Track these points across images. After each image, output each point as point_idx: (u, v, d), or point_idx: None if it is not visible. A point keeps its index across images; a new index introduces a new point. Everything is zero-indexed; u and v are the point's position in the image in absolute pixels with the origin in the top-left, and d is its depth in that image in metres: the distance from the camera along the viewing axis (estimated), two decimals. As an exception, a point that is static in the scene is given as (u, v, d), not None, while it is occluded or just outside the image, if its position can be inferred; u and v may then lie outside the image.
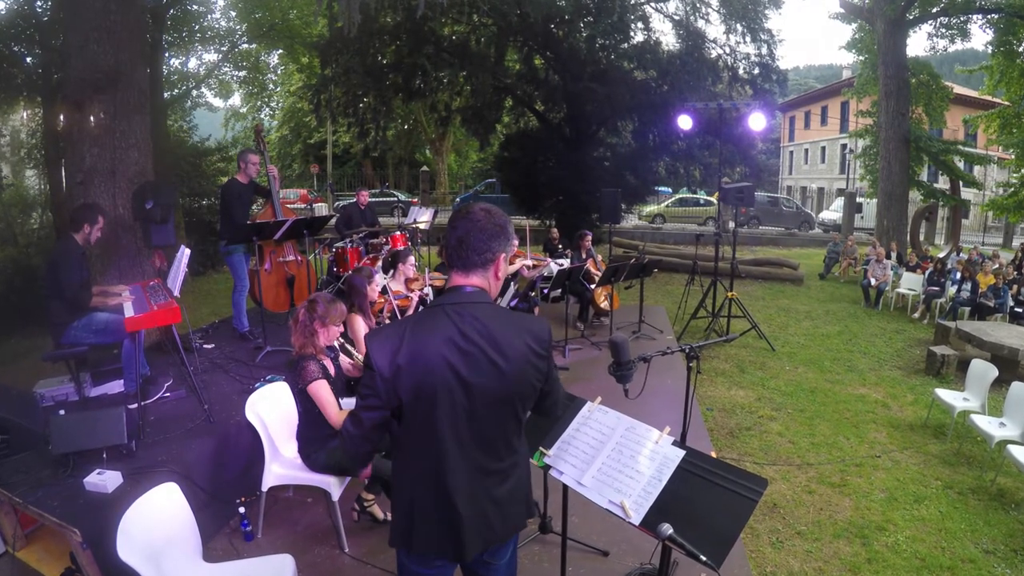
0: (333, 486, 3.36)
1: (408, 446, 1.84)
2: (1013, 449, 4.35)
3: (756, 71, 14.55)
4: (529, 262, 7.51)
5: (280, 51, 19.70)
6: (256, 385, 4.47)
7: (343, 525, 3.49)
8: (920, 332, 9.44)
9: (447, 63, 14.26)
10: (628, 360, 2.73)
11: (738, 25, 14.13)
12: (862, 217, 22.76)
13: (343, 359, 3.72)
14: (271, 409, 3.65)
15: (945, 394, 5.56)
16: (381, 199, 23.28)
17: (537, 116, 16.11)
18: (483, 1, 13.47)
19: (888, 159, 16.06)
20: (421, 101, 17.50)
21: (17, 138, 14.75)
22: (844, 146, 30.11)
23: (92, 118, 5.59)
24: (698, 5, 14.34)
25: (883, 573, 3.57)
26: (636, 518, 2.15)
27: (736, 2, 13.89)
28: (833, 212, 25.48)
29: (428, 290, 5.72)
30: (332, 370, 3.45)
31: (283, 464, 3.54)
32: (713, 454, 2.83)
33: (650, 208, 25.21)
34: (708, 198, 26.26)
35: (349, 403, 3.60)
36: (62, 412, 3.60)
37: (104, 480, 3.12)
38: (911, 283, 11.25)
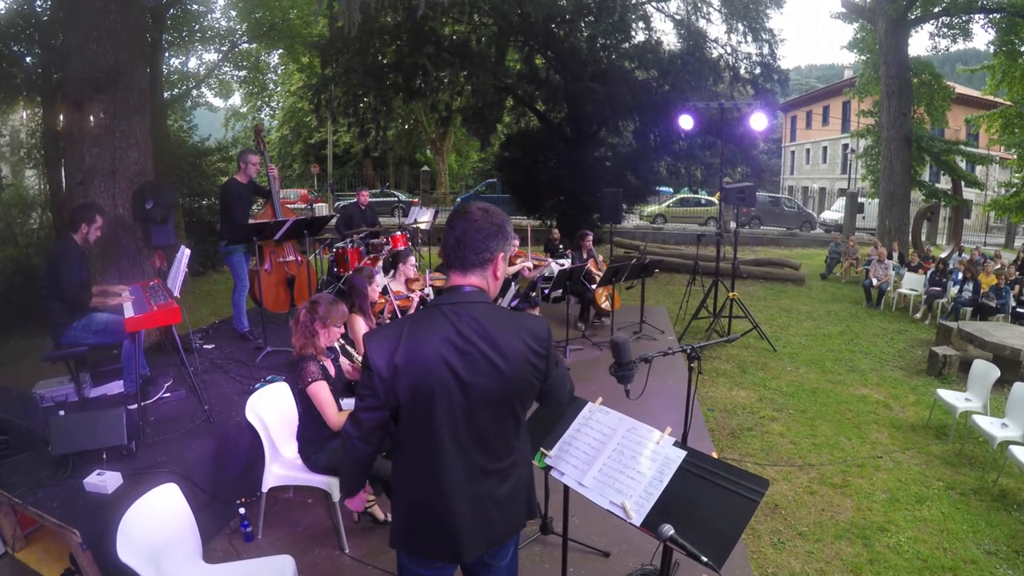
0: (333, 487, 3.36)
1: (407, 447, 1.83)
2: (1015, 450, 4.34)
3: (757, 71, 14.51)
4: (530, 263, 7.50)
5: (280, 51, 19.69)
6: (256, 385, 4.47)
7: (343, 526, 3.49)
8: (922, 332, 9.42)
9: (448, 63, 14.24)
10: (629, 360, 2.72)
11: (739, 25, 14.09)
12: (864, 217, 22.74)
13: (344, 362, 3.72)
14: (271, 410, 3.65)
15: (947, 395, 5.55)
16: (382, 199, 23.27)
17: (538, 116, 16.09)
18: (484, 1, 13.46)
19: (890, 159, 16.04)
20: (422, 101, 17.47)
21: (17, 138, 14.74)
22: (846, 146, 30.09)
23: (92, 118, 5.58)
24: (699, 5, 14.31)
25: (885, 574, 3.56)
26: (637, 519, 2.15)
27: (737, 2, 13.85)
28: (835, 212, 25.44)
29: (429, 290, 5.71)
30: (332, 371, 3.45)
31: (283, 465, 3.54)
32: (714, 455, 2.82)
33: (651, 208, 25.18)
34: (709, 198, 26.23)
35: (349, 404, 3.59)
36: (62, 413, 3.60)
37: (104, 481, 3.12)
38: (913, 283, 11.23)
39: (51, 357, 4.38)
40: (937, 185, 19.00)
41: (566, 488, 2.58)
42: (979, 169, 21.85)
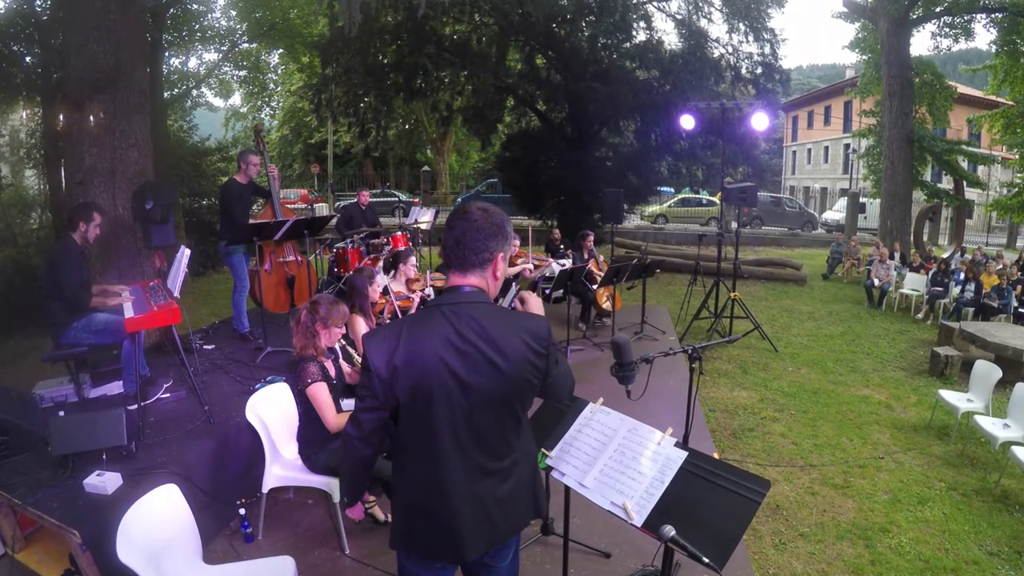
0: (334, 487, 3.35)
1: (406, 447, 1.83)
2: (1017, 450, 4.33)
3: (759, 70, 14.49)
4: (530, 265, 7.48)
5: (280, 50, 19.69)
6: (256, 386, 4.47)
7: (344, 526, 3.48)
8: (924, 333, 9.40)
9: (448, 62, 14.23)
10: (630, 361, 2.71)
11: (741, 24, 14.07)
12: (865, 217, 22.71)
13: (345, 367, 3.71)
14: (271, 410, 3.64)
15: (949, 395, 5.54)
16: (382, 199, 23.28)
17: (539, 116, 16.07)
18: (484, 0, 13.45)
19: (891, 159, 16.01)
20: (422, 101, 17.45)
21: (16, 138, 14.74)
22: (847, 146, 30.04)
23: (92, 118, 5.58)
24: (700, 4, 14.29)
25: (886, 575, 3.54)
26: (638, 520, 2.14)
27: (739, 1, 13.83)
28: (836, 212, 25.41)
29: (429, 291, 5.70)
30: (333, 372, 3.44)
31: (284, 465, 3.53)
32: (715, 455, 2.81)
33: (652, 208, 25.17)
34: (711, 198, 26.22)
35: (349, 404, 3.59)
36: (61, 413, 3.60)
37: (104, 481, 3.11)
38: (915, 284, 11.20)
39: (51, 357, 4.37)
40: (939, 185, 18.97)
41: (567, 489, 2.57)
42: (981, 169, 21.81)
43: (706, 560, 1.82)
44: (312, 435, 3.35)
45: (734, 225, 11.06)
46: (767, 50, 14.28)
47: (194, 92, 18.71)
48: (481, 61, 14.22)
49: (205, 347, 5.83)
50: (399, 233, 8.33)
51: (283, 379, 4.26)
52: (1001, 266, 11.37)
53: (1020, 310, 9.41)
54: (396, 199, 23.86)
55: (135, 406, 4.02)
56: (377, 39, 14.00)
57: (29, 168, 14.78)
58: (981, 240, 21.95)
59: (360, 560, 3.39)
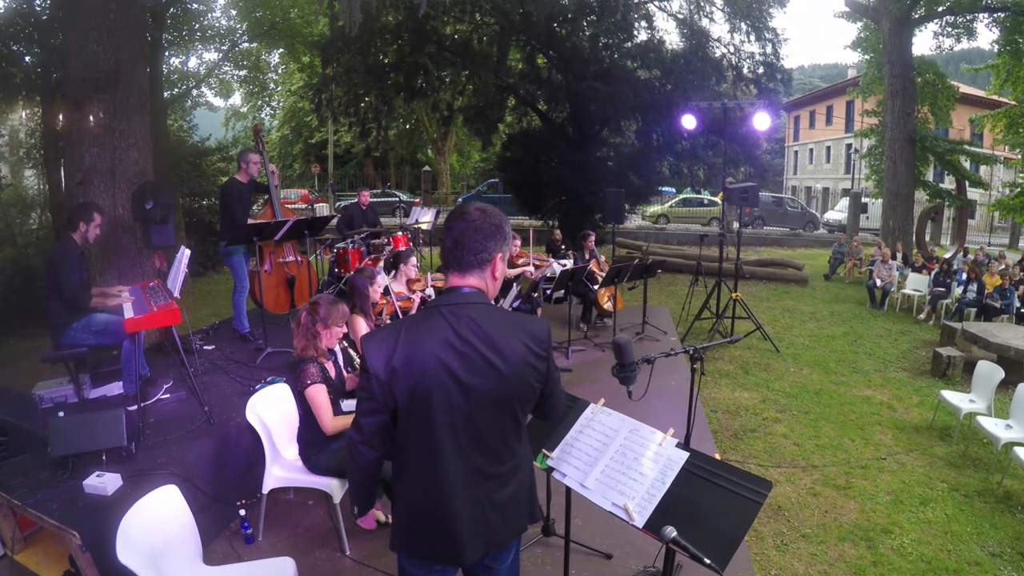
0: (334, 488, 3.34)
1: (406, 449, 1.82)
2: (1020, 451, 4.32)
3: (760, 70, 14.46)
4: (531, 268, 7.47)
5: (281, 50, 19.67)
6: (257, 387, 4.46)
7: (344, 528, 3.47)
8: (926, 333, 9.38)
9: (449, 62, 14.21)
10: (631, 361, 2.71)
11: (742, 24, 14.04)
12: (867, 217, 22.69)
13: (347, 376, 3.70)
14: (272, 411, 3.63)
15: (951, 396, 5.52)
16: (383, 199, 23.26)
17: (540, 116, 16.06)
18: (485, 0, 13.43)
19: (893, 159, 15.98)
20: (423, 100, 17.43)
21: (16, 138, 14.73)
22: (849, 146, 30.02)
23: (91, 118, 5.57)
24: (702, 4, 14.25)
25: (889, 577, 3.53)
26: (639, 521, 2.14)
27: (740, 1, 13.81)
28: (838, 212, 25.41)
29: (430, 291, 5.69)
30: (333, 373, 3.43)
31: (284, 466, 3.52)
32: (717, 456, 2.80)
33: (654, 208, 25.18)
34: (712, 198, 26.19)
35: (349, 405, 3.58)
36: (61, 414, 3.59)
37: (103, 482, 3.10)
38: (917, 284, 11.18)
39: (50, 358, 4.36)
40: (941, 185, 18.94)
41: (568, 489, 2.56)
42: (983, 169, 21.79)
43: (707, 561, 1.82)
44: (312, 436, 3.34)
45: (736, 225, 11.02)
46: (769, 50, 14.25)
47: (194, 92, 18.69)
48: (482, 61, 14.20)
49: (205, 348, 5.82)
50: (400, 233, 8.33)
51: (283, 380, 4.25)
52: (1003, 266, 11.36)
53: (1022, 310, 9.38)
54: (397, 199, 23.82)
55: (135, 407, 4.01)
56: (378, 39, 13.99)
57: (29, 168, 14.78)
58: (983, 240, 21.91)
59: (361, 561, 3.38)
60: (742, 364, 7.37)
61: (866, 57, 19.09)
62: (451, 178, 30.47)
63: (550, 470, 2.50)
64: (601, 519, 3.36)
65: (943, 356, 7.17)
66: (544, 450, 2.51)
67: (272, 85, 23.50)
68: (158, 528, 2.55)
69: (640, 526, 2.13)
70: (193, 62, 18.87)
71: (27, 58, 12.04)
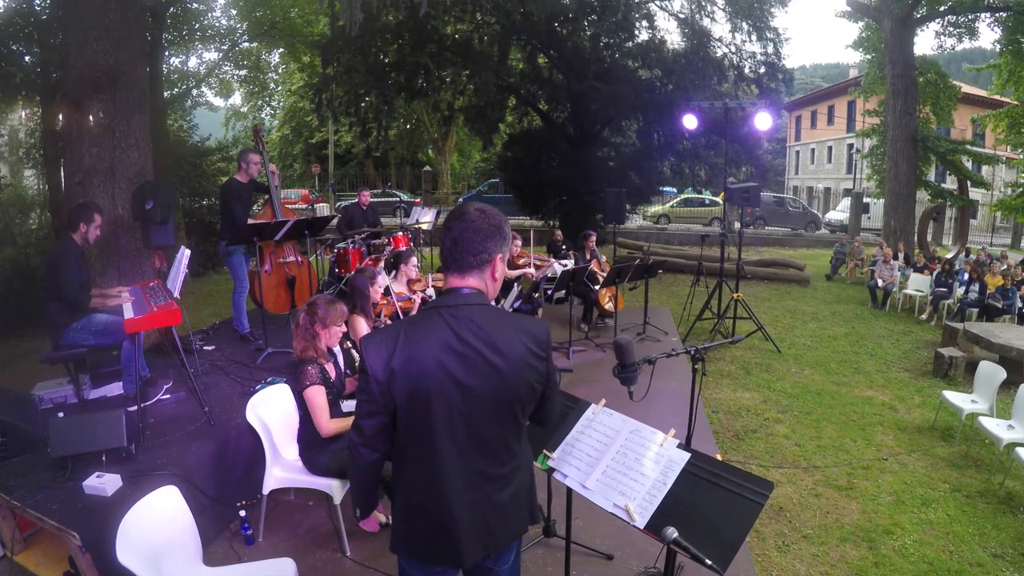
0: (335, 489, 3.34)
1: (406, 451, 1.81)
2: (1022, 452, 4.30)
3: (762, 70, 14.43)
4: (532, 270, 7.46)
5: (281, 50, 19.64)
6: (257, 387, 4.45)
7: (345, 528, 3.46)
8: (927, 334, 9.36)
9: (450, 62, 14.21)
10: (633, 362, 2.70)
11: (744, 23, 14.02)
12: (869, 217, 22.68)
13: (349, 379, 3.69)
14: (272, 411, 3.63)
15: (953, 396, 5.51)
16: (383, 199, 23.27)
17: (541, 115, 16.05)
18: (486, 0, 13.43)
19: (895, 159, 15.96)
20: (424, 100, 17.42)
21: (15, 138, 14.72)
22: (851, 146, 29.99)
23: (91, 117, 5.56)
24: (703, 3, 14.22)
25: (891, 578, 3.52)
26: (641, 521, 2.14)
27: (742, 0, 13.80)
28: (840, 212, 25.38)
29: (431, 291, 5.68)
30: (333, 374, 3.43)
31: (284, 467, 3.52)
32: (718, 457, 2.79)
33: (655, 208, 25.17)
34: (713, 198, 26.20)
35: (350, 405, 3.57)
36: (61, 414, 3.57)
37: (103, 483, 3.10)
38: (918, 284, 11.16)
39: (50, 358, 4.35)
40: (943, 185, 18.92)
41: (569, 490, 2.55)
42: (985, 169, 21.78)
43: (709, 562, 1.82)
44: (313, 437, 3.34)
45: (737, 225, 11.02)
46: (770, 49, 14.23)
47: (194, 91, 18.65)
48: (483, 60, 14.19)
49: (205, 348, 5.82)
50: (400, 233, 8.32)
51: (283, 380, 4.25)
52: (1005, 266, 11.33)
53: (1024, 310, 9.37)
54: (397, 199, 23.85)
55: (135, 407, 4.00)
56: (378, 38, 13.98)
57: (28, 168, 14.75)
58: (985, 240, 21.88)
59: (361, 562, 3.38)
60: (743, 365, 7.35)
61: (868, 57, 19.08)
62: (452, 178, 30.47)
63: (551, 471, 2.49)
64: (602, 520, 3.36)
65: (945, 357, 7.15)
66: (545, 451, 2.50)
67: (272, 85, 23.50)
68: (158, 529, 2.55)
69: (641, 527, 2.12)
70: (193, 62, 18.86)
71: (27, 58, 12.00)
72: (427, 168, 27.12)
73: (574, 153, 14.45)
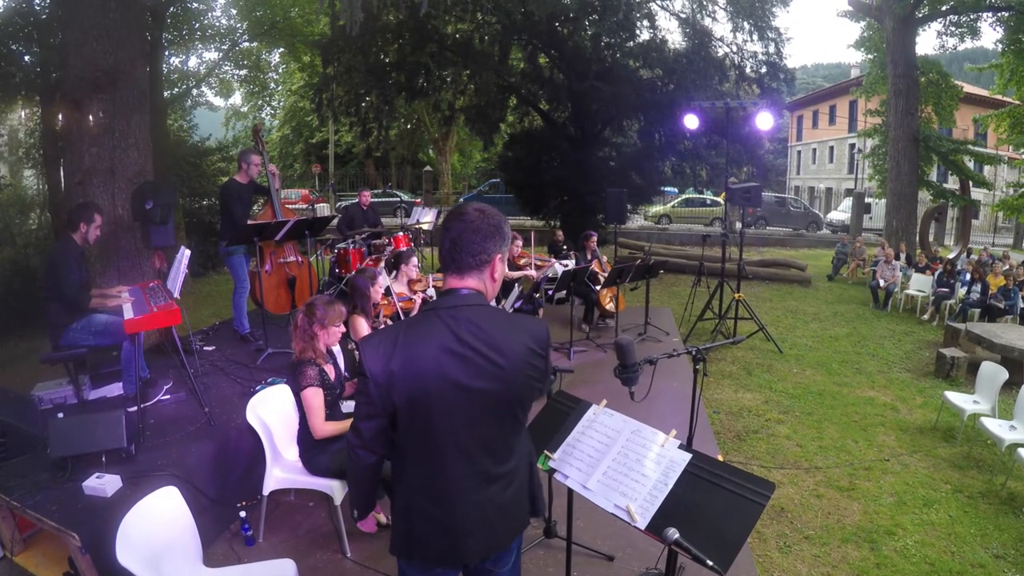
0: (335, 490, 3.33)
1: (406, 452, 1.80)
2: (1025, 453, 4.29)
3: (763, 70, 14.43)
4: (533, 272, 7.45)
5: (281, 50, 19.65)
6: (257, 388, 4.43)
7: (345, 529, 3.46)
8: (929, 334, 9.35)
9: (450, 62, 14.21)
10: (634, 362, 2.70)
11: (745, 23, 14.01)
12: (871, 218, 22.65)
13: (349, 383, 3.68)
14: (272, 412, 3.62)
15: (955, 397, 5.49)
16: (384, 199, 23.28)
17: (542, 115, 16.04)
18: (487, -1, 13.44)
19: (897, 159, 15.94)
20: (424, 100, 17.42)
21: (15, 137, 14.71)
22: (852, 146, 29.96)
23: (91, 117, 5.55)
24: (705, 3, 14.21)
25: (893, 579, 3.51)
26: (642, 522, 2.13)
27: (743, 0, 13.79)
28: (841, 212, 25.36)
29: (431, 291, 5.68)
30: (332, 375, 3.42)
31: (284, 468, 3.51)
32: (720, 457, 2.78)
33: (656, 208, 25.18)
34: (715, 198, 26.21)
35: (350, 406, 3.56)
36: (61, 415, 3.58)
37: (103, 484, 3.09)
38: (920, 284, 11.14)
39: (50, 359, 4.35)
40: (945, 185, 18.87)
41: (570, 491, 2.55)
42: (987, 169, 21.74)
43: (710, 563, 1.82)
44: (313, 437, 3.33)
45: (738, 225, 11.03)
46: (772, 49, 14.22)
47: (194, 91, 18.64)
48: (483, 60, 14.19)
49: (205, 348, 5.81)
50: (401, 233, 8.31)
51: (284, 380, 4.24)
52: (1007, 267, 11.31)
53: (1026, 311, 9.34)
54: (398, 199, 23.85)
55: (135, 408, 3.99)
56: (379, 38, 13.98)
57: (28, 168, 14.73)
58: (987, 240, 21.84)
59: (362, 563, 3.37)
60: (745, 365, 7.34)
61: (869, 57, 19.06)
62: (452, 178, 30.46)
63: (552, 471, 2.48)
64: (603, 521, 3.35)
65: (947, 357, 7.13)
66: (546, 451, 2.50)
67: (272, 85, 23.50)
68: (158, 530, 2.54)
69: (642, 528, 2.12)
70: (193, 62, 18.85)
71: (26, 57, 11.98)
72: (428, 168, 27.14)
73: (575, 153, 14.44)
